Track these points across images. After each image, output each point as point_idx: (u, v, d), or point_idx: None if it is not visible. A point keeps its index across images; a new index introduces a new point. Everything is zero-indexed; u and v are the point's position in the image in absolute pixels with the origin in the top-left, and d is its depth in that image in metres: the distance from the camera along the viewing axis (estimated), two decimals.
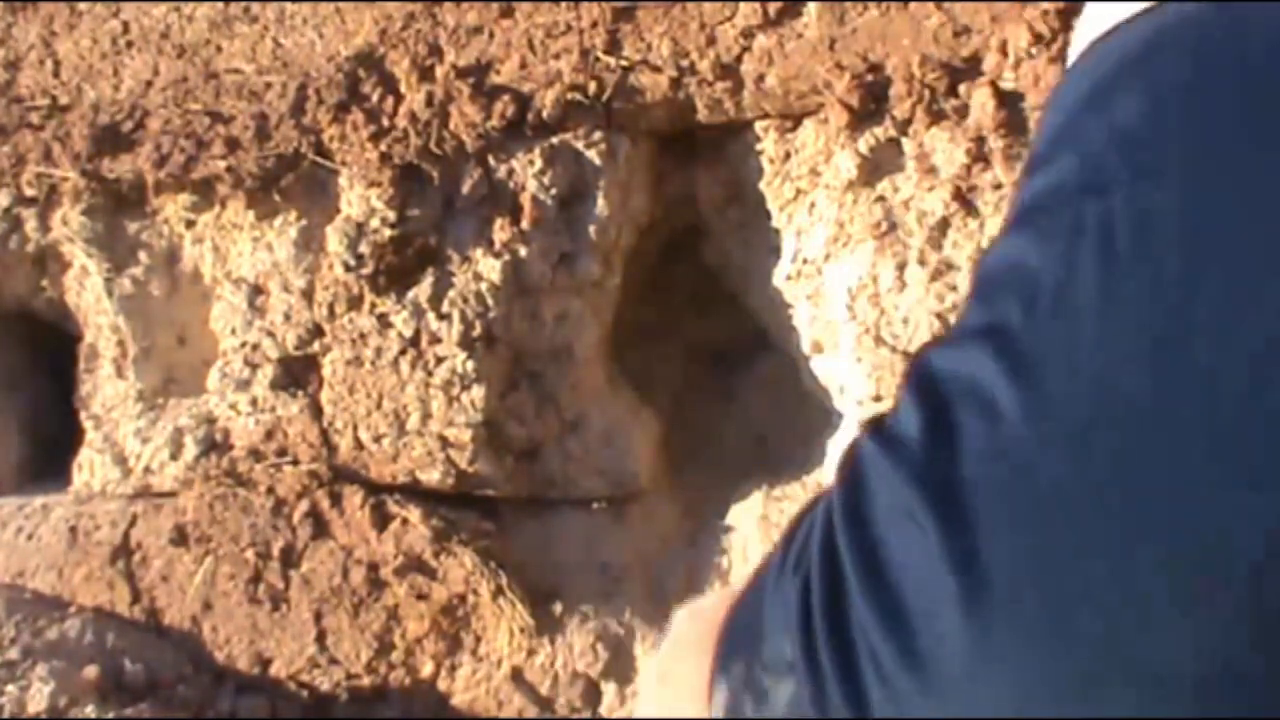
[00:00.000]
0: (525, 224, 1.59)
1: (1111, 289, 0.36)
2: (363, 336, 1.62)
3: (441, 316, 1.60)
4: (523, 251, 1.59)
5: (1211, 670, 0.34)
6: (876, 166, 1.53)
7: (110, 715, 1.54)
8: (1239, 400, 0.34)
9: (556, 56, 1.60)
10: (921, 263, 1.48)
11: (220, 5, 1.72)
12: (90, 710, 1.54)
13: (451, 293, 1.60)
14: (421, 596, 1.64)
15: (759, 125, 1.60)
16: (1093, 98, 0.39)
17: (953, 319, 1.39)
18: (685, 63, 1.57)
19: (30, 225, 1.72)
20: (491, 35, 1.63)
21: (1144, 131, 0.37)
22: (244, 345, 1.67)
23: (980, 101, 1.45)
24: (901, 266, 1.49)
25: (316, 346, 1.65)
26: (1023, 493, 0.36)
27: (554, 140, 1.59)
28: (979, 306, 0.39)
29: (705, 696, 0.48)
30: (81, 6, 1.77)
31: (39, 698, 1.54)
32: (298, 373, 1.66)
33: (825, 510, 0.41)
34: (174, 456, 1.70)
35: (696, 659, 0.50)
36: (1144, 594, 0.34)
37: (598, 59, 1.58)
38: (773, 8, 1.54)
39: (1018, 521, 0.36)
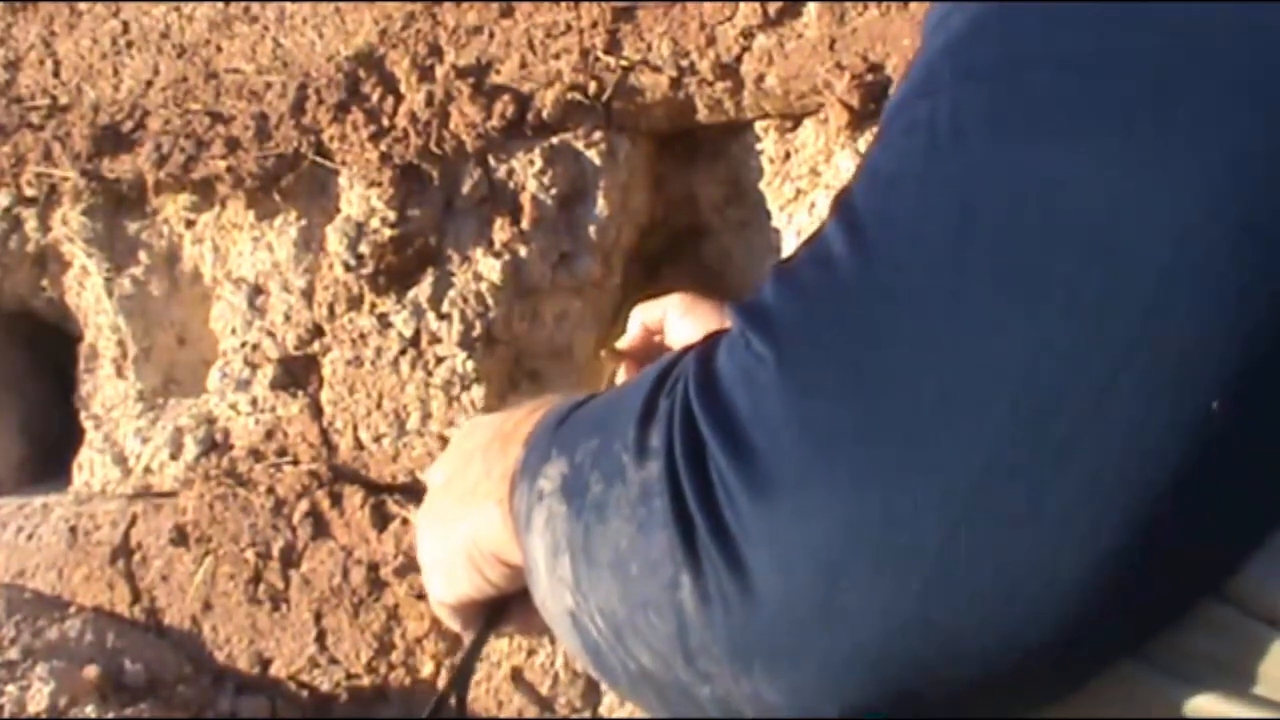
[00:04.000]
0: (525, 224, 1.59)
1: (929, 166, 0.43)
2: (363, 336, 1.62)
3: (441, 316, 1.60)
4: (523, 251, 1.59)
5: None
6: None
7: (110, 715, 1.54)
8: (1031, 233, 0.41)
9: (556, 56, 1.60)
10: None
11: (220, 5, 1.72)
12: (90, 710, 1.54)
13: (451, 293, 1.60)
14: (421, 596, 1.64)
15: (759, 125, 1.60)
16: (940, 19, 0.46)
17: None
18: (685, 63, 1.57)
19: (30, 225, 1.72)
20: (491, 35, 1.63)
21: (967, 37, 0.45)
22: (244, 345, 1.67)
23: None
24: None
25: (316, 346, 1.65)
26: (848, 317, 0.43)
27: (554, 140, 1.59)
28: (836, 200, 0.47)
29: (506, 488, 0.57)
30: (81, 6, 1.77)
31: (39, 698, 1.54)
32: (298, 373, 1.66)
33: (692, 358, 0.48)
34: (174, 456, 1.70)
35: (488, 460, 0.61)
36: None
37: (598, 59, 1.58)
38: (773, 8, 1.54)
39: (842, 340, 0.43)
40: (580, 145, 1.59)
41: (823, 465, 0.41)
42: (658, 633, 0.45)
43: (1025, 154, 0.41)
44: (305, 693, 1.68)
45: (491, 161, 1.60)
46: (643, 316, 0.92)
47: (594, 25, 1.59)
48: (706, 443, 0.44)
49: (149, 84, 1.71)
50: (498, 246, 1.59)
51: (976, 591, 0.40)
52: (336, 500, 1.64)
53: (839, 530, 0.41)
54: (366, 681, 1.67)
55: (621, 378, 0.93)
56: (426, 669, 1.67)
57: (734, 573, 0.42)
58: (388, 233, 1.59)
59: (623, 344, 0.92)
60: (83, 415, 1.75)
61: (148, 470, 1.71)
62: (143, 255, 1.70)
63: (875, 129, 1.62)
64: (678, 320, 0.87)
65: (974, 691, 0.42)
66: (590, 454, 0.50)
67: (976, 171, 0.42)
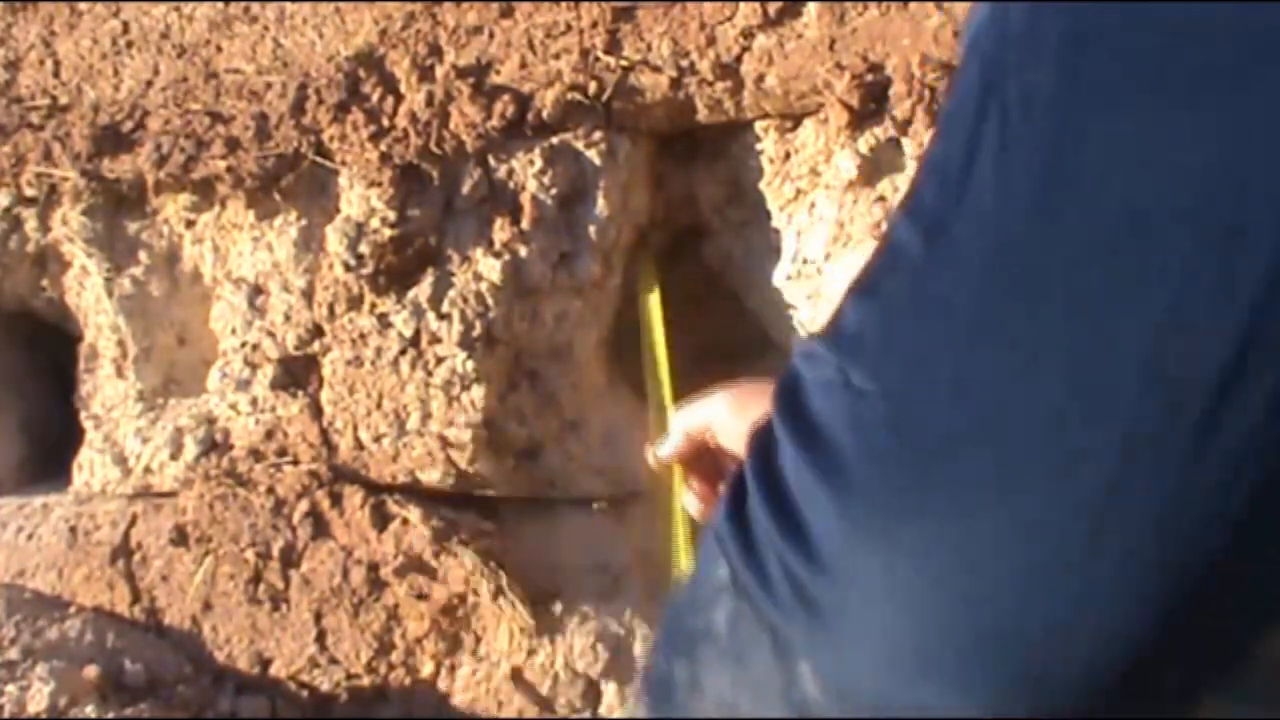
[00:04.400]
0: (525, 224, 1.59)
1: (1005, 155, 0.41)
2: (363, 336, 1.62)
3: (441, 316, 1.60)
4: (523, 251, 1.59)
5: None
6: (876, 166, 1.53)
7: (110, 715, 1.54)
8: (1116, 226, 0.38)
9: (556, 56, 1.60)
10: None
11: (220, 5, 1.72)
12: (90, 710, 1.54)
13: (451, 293, 1.60)
14: (421, 596, 1.64)
15: (759, 125, 1.60)
16: (992, 17, 0.45)
17: None
18: (685, 63, 1.57)
19: (30, 225, 1.72)
20: (491, 35, 1.63)
21: (1026, 26, 0.43)
22: (244, 345, 1.67)
23: None
24: None
25: (316, 346, 1.65)
26: (945, 324, 0.41)
27: (554, 140, 1.59)
28: (900, 212, 0.45)
29: None
30: (81, 6, 1.77)
31: (39, 698, 1.54)
32: (298, 373, 1.66)
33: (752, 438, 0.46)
34: (174, 456, 1.70)
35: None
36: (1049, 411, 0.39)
37: (598, 59, 1.58)
38: (773, 8, 1.54)
39: (943, 351, 0.41)
40: (580, 145, 1.59)
41: (931, 497, 0.40)
42: None
43: (1104, 124, 0.39)
44: (305, 693, 1.67)
45: (491, 161, 1.60)
46: (685, 425, 0.94)
47: (594, 25, 1.59)
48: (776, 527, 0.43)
49: (149, 84, 1.71)
50: (498, 246, 1.59)
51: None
52: (336, 500, 1.64)
53: (957, 563, 0.39)
54: (366, 681, 1.67)
55: (680, 488, 0.96)
56: (426, 669, 1.67)
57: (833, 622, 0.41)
58: (388, 233, 1.59)
59: (666, 453, 0.94)
60: (83, 415, 1.75)
61: (148, 470, 1.71)
62: (143, 255, 1.70)
63: (875, 129, 1.62)
64: (728, 420, 0.88)
65: None
66: (665, 646, 0.50)
67: (1055, 147, 0.40)
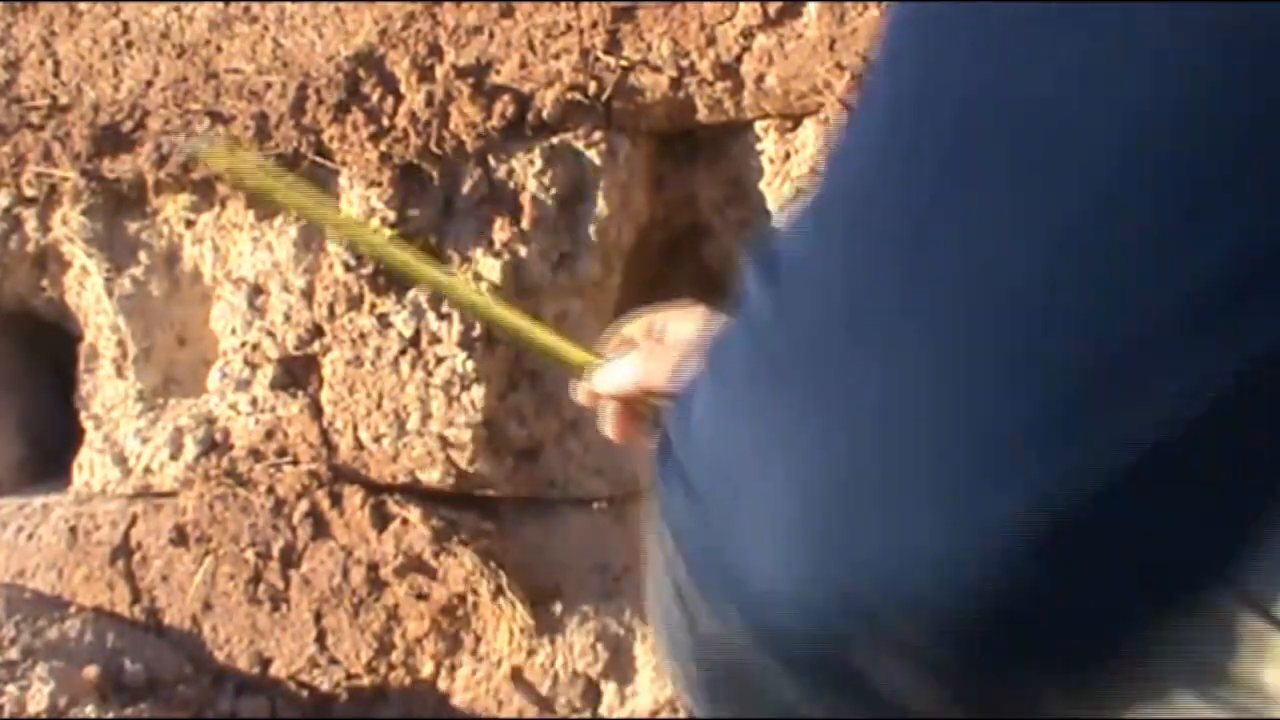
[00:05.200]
0: (525, 224, 1.59)
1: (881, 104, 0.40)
2: (363, 336, 1.62)
3: (441, 316, 1.60)
4: (523, 251, 1.59)
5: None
6: None
7: (110, 715, 1.54)
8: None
9: (556, 56, 1.60)
10: None
11: (220, 5, 1.72)
12: (90, 710, 1.54)
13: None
14: (421, 596, 1.64)
15: (759, 125, 1.60)
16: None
17: None
18: (685, 63, 1.57)
19: (30, 225, 1.72)
20: (491, 35, 1.63)
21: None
22: (244, 345, 1.67)
23: None
24: None
25: (316, 346, 1.65)
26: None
27: (554, 140, 1.59)
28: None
29: None
30: (81, 6, 1.77)
31: (39, 698, 1.54)
32: (298, 373, 1.66)
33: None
34: (174, 456, 1.70)
35: None
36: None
37: (598, 59, 1.58)
38: (773, 8, 1.54)
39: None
40: (580, 145, 1.59)
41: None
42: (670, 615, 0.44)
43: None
44: (305, 693, 1.67)
45: (491, 161, 1.60)
46: (628, 330, 0.88)
47: (594, 25, 1.59)
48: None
49: (149, 84, 1.71)
50: (498, 246, 1.59)
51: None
52: (336, 500, 1.64)
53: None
54: (366, 681, 1.67)
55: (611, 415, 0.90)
56: (426, 669, 1.67)
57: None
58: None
59: (609, 386, 0.86)
60: (83, 415, 1.75)
61: (148, 470, 1.71)
62: (143, 255, 1.70)
63: None
64: (675, 325, 0.84)
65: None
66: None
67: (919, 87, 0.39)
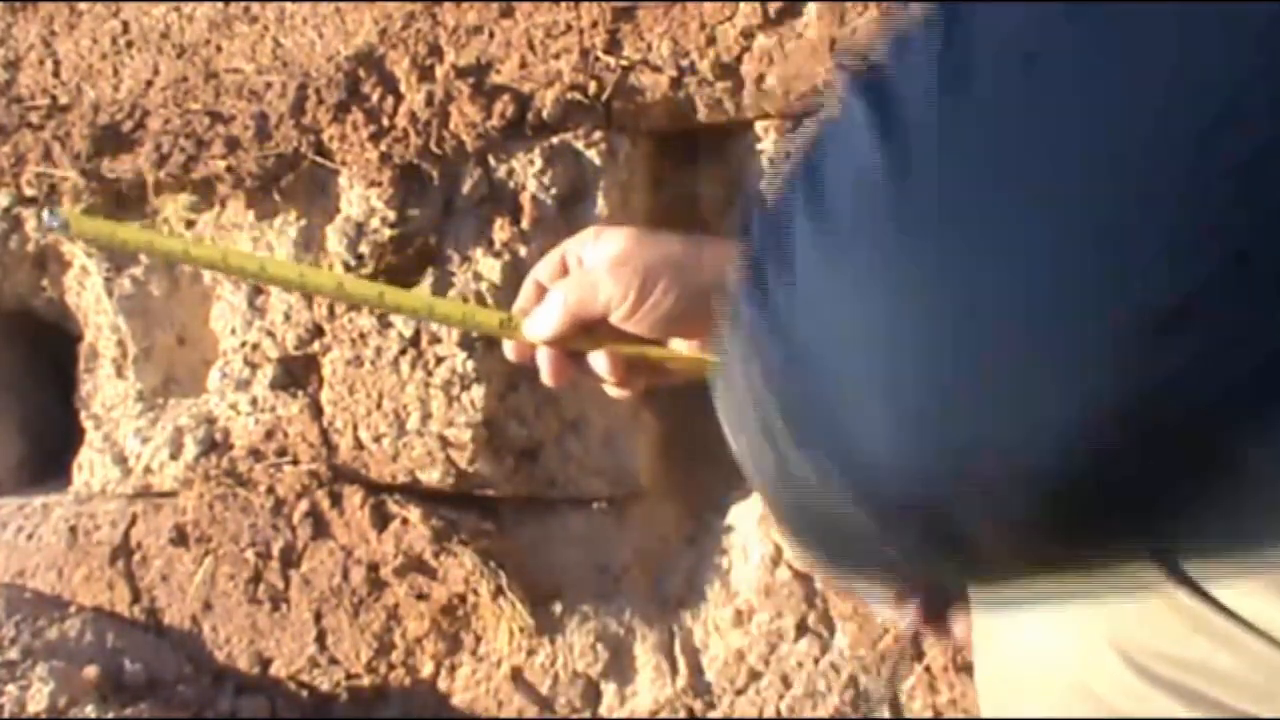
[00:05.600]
0: (525, 224, 1.59)
1: None
2: (363, 336, 1.62)
3: None
4: (523, 251, 1.59)
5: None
6: None
7: (110, 715, 1.54)
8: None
9: (556, 56, 1.60)
10: None
11: (220, 5, 1.72)
12: (90, 710, 1.54)
13: (451, 293, 1.60)
14: (421, 596, 1.64)
15: (759, 125, 1.60)
16: None
17: None
18: (685, 63, 1.57)
19: (30, 225, 1.72)
20: (491, 35, 1.63)
21: None
22: (244, 345, 1.67)
23: None
24: None
25: (316, 346, 1.65)
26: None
27: (554, 140, 1.59)
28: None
29: None
30: (81, 6, 1.77)
31: (39, 698, 1.54)
32: (298, 373, 1.66)
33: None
34: (174, 456, 1.70)
35: None
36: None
37: (598, 59, 1.58)
38: (773, 8, 1.54)
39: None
40: (580, 145, 1.59)
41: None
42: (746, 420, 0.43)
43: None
44: (305, 693, 1.68)
45: (491, 161, 1.60)
46: (537, 274, 0.84)
47: (594, 25, 1.59)
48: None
49: (149, 84, 1.71)
50: (498, 246, 1.59)
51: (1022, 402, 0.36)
52: (336, 500, 1.64)
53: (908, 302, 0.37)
54: (366, 681, 1.67)
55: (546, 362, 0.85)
56: (426, 669, 1.67)
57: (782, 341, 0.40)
58: (388, 233, 1.59)
59: (544, 332, 0.82)
60: (83, 415, 1.75)
61: (148, 470, 1.71)
62: (143, 255, 1.70)
63: None
64: (589, 251, 0.80)
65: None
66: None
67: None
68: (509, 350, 0.86)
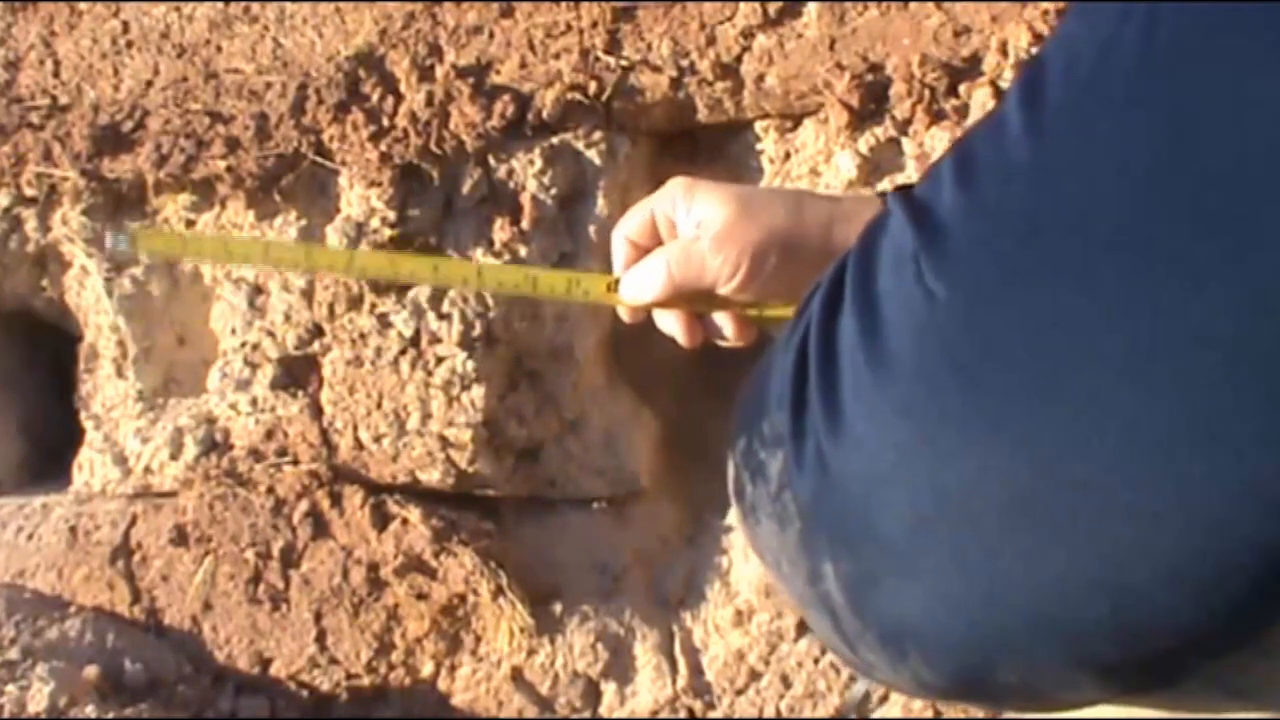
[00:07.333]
0: (525, 224, 1.59)
1: (1139, 81, 0.37)
2: (363, 336, 1.62)
3: (441, 316, 1.60)
4: (523, 251, 1.59)
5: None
6: (876, 166, 1.53)
7: (110, 715, 1.54)
8: (1230, 196, 0.35)
9: (556, 56, 1.60)
10: None
11: (220, 5, 1.72)
12: (90, 710, 1.54)
13: (451, 293, 1.60)
14: (421, 596, 1.64)
15: (759, 125, 1.60)
16: None
17: None
18: (685, 63, 1.57)
19: (30, 225, 1.71)
20: (491, 35, 1.63)
21: None
22: (244, 345, 1.67)
23: (980, 101, 1.45)
24: None
25: (316, 346, 1.65)
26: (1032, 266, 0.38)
27: (554, 140, 1.59)
28: (1018, 81, 0.41)
29: None
30: (81, 6, 1.77)
31: (39, 698, 1.54)
32: (298, 373, 1.66)
33: (833, 271, 0.43)
34: (174, 456, 1.70)
35: None
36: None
37: (598, 59, 1.58)
38: (773, 8, 1.54)
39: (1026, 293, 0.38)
40: (580, 145, 1.59)
41: (989, 427, 0.38)
42: (821, 626, 0.44)
43: (1251, 85, 0.35)
44: (305, 693, 1.67)
45: (491, 161, 1.60)
46: (627, 231, 0.83)
47: (594, 25, 1.59)
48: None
49: (149, 84, 1.71)
50: (498, 246, 1.59)
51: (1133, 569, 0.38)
52: (336, 500, 1.64)
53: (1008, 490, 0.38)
54: (366, 681, 1.67)
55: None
56: (426, 669, 1.67)
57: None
58: (388, 233, 1.59)
59: (650, 295, 0.82)
60: (83, 415, 1.75)
61: (148, 470, 1.71)
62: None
63: (875, 129, 1.62)
64: (684, 215, 0.78)
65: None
66: (743, 452, 0.48)
67: (1187, 94, 0.36)
68: (624, 312, 0.87)
